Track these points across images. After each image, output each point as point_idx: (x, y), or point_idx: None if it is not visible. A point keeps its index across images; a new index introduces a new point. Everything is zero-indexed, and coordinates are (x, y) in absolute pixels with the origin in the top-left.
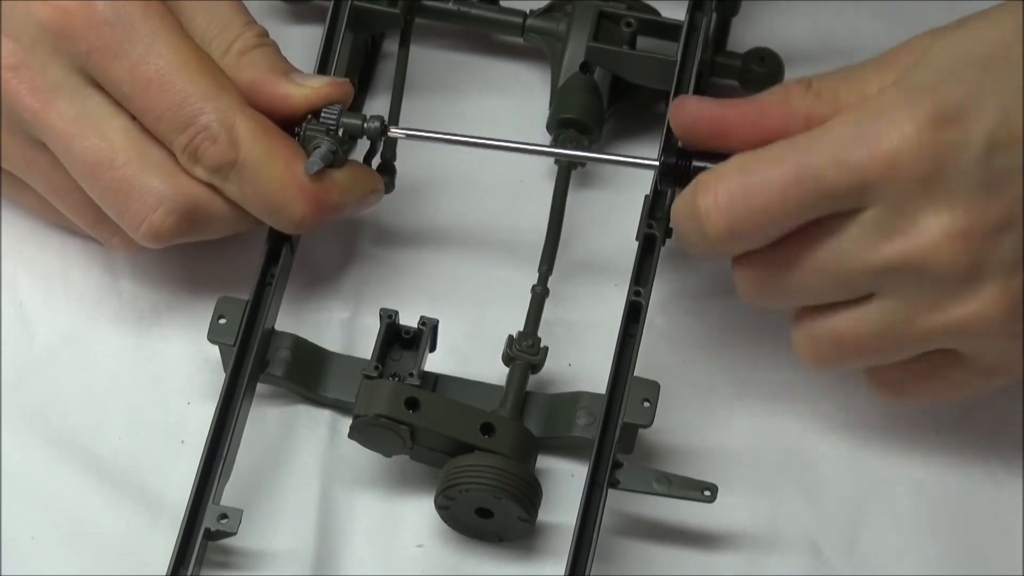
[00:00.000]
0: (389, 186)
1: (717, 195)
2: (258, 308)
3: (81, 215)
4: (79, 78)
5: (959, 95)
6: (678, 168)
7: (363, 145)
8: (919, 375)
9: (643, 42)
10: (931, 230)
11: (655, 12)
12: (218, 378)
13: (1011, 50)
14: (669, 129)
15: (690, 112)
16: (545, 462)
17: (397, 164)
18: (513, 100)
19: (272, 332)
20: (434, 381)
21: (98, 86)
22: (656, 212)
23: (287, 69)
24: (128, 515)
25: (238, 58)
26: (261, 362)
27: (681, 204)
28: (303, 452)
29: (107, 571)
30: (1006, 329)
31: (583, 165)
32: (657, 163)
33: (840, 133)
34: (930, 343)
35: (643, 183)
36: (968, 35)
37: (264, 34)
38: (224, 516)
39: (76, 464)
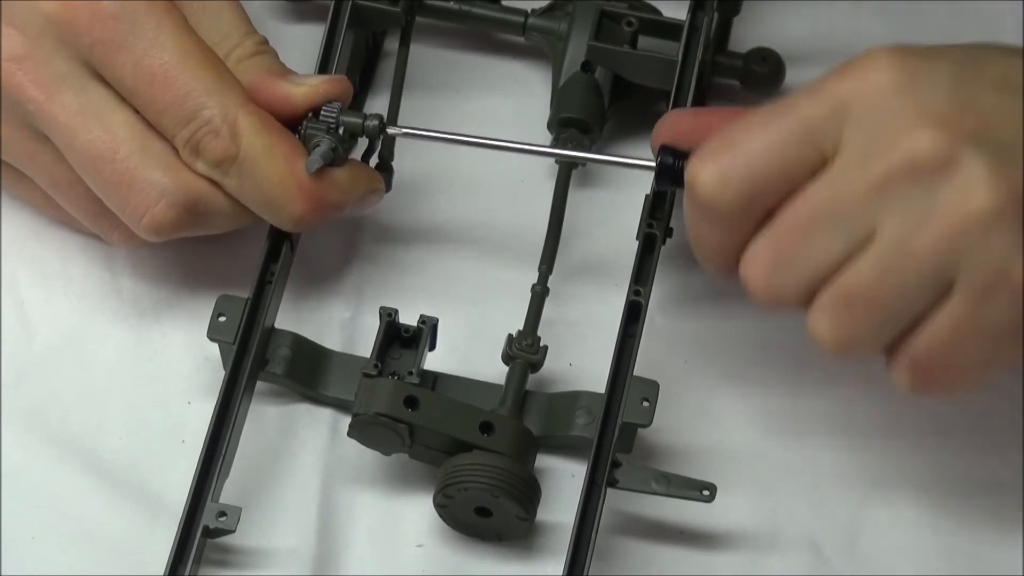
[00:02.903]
0: (386, 185)
1: (711, 170)
2: (258, 306)
3: (82, 209)
4: (83, 71)
5: (930, 49)
6: (675, 168)
7: (361, 145)
8: (932, 340)
9: (644, 41)
10: (908, 130)
11: (656, 12)
12: (219, 377)
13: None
14: None
15: (668, 122)
16: (544, 461)
17: (398, 163)
18: (514, 99)
19: (272, 330)
20: (433, 380)
21: (102, 79)
22: (656, 212)
23: (285, 72)
24: (128, 515)
25: (237, 65)
26: (261, 360)
27: (687, 208)
28: (303, 451)
29: (107, 571)
30: (999, 223)
31: (583, 164)
32: (654, 164)
33: (816, 80)
34: (931, 266)
35: (643, 183)
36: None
37: (264, 42)
38: (223, 514)
39: (76, 464)
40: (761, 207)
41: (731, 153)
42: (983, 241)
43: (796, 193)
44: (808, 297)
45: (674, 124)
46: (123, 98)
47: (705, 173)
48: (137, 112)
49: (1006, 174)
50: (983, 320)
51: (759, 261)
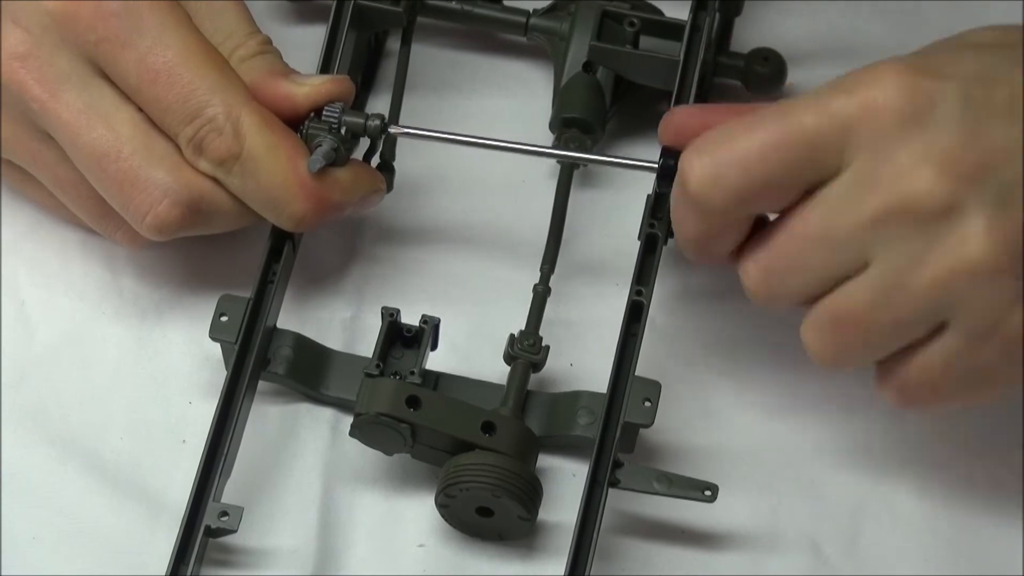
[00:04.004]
0: (387, 185)
1: (706, 165)
2: (260, 306)
3: (86, 209)
4: (87, 69)
5: (939, 56)
6: (677, 170)
7: (363, 145)
8: (922, 370)
9: (646, 42)
10: (911, 170)
11: (658, 12)
12: (220, 376)
13: (994, 42)
14: None
15: (676, 120)
16: (546, 461)
17: (399, 163)
18: (516, 99)
19: (274, 330)
20: (435, 380)
21: (106, 77)
22: (658, 212)
23: (287, 71)
24: (129, 515)
25: (239, 64)
26: (262, 360)
27: (675, 193)
28: (304, 450)
29: (107, 571)
30: (996, 277)
31: (585, 165)
32: (656, 165)
33: (822, 89)
34: (924, 306)
35: (645, 183)
36: (960, 39)
37: (267, 42)
38: (225, 514)
39: (77, 464)
40: (749, 210)
41: (728, 151)
42: (979, 292)
43: (792, 207)
44: (804, 303)
45: (681, 124)
46: (127, 96)
47: (699, 167)
48: (141, 110)
49: (1006, 225)
50: (974, 362)
51: (751, 267)
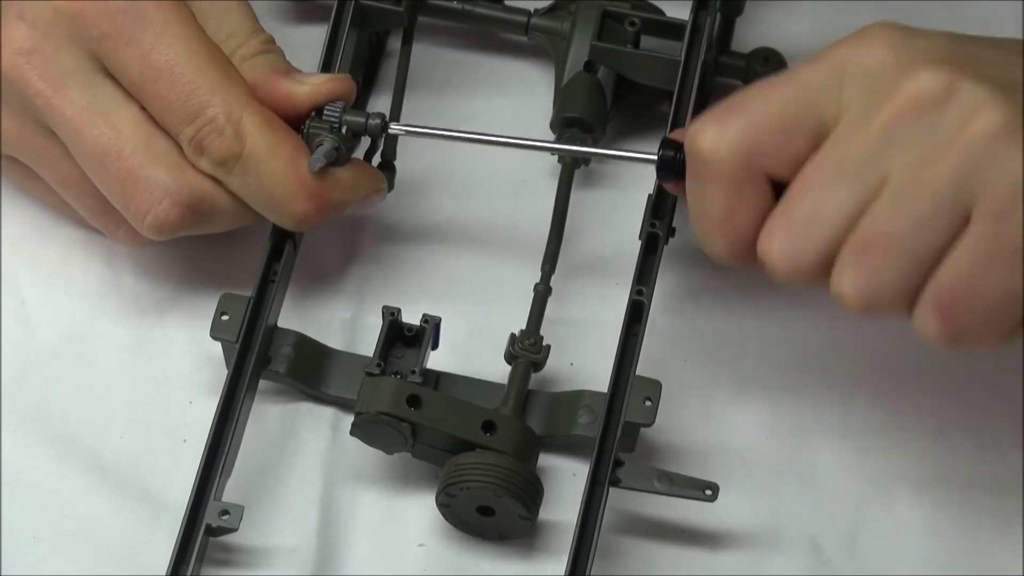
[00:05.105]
0: (389, 184)
1: (712, 125)
2: (261, 305)
3: (88, 207)
4: (91, 66)
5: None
6: (676, 161)
7: (364, 144)
8: (955, 273)
9: (647, 41)
10: (907, 76)
11: (659, 11)
12: (220, 376)
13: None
14: (671, 126)
15: None
16: (547, 460)
17: (400, 162)
18: (517, 99)
19: (275, 329)
20: (436, 379)
21: (109, 75)
22: (659, 211)
23: (288, 70)
24: (129, 515)
25: (241, 63)
26: (263, 359)
27: (689, 172)
28: (305, 449)
29: (107, 571)
30: (1010, 139)
31: (586, 163)
32: (655, 157)
33: (815, 56)
34: (947, 194)
35: (646, 182)
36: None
37: (270, 41)
38: (225, 512)
39: (77, 463)
40: (762, 170)
41: (732, 115)
42: (994, 160)
43: (804, 162)
44: (829, 260)
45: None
46: (130, 94)
47: (705, 132)
48: (143, 109)
49: (1008, 96)
50: (1005, 241)
51: (775, 231)
